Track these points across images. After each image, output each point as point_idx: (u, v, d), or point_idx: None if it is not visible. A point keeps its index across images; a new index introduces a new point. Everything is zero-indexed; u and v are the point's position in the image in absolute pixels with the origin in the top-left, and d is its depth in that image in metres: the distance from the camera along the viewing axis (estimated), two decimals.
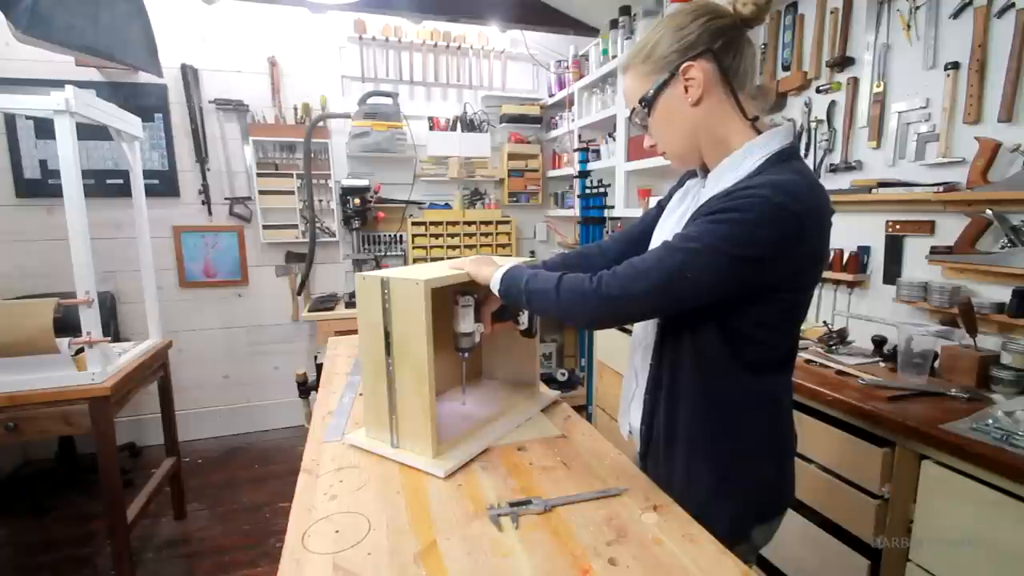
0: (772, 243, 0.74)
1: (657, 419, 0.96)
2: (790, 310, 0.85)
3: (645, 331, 0.99)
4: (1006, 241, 1.47)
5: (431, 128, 3.38)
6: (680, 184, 1.04)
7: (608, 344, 2.70)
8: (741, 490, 0.90)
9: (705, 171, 0.91)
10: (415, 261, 3.40)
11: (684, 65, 0.83)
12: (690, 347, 0.88)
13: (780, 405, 0.92)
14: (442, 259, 3.43)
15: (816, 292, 2.09)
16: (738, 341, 0.84)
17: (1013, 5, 1.46)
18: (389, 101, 2.96)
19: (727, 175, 0.84)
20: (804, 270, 0.81)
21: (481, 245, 3.52)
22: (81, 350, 1.70)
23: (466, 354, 1.14)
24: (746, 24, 0.84)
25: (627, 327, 1.12)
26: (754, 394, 0.88)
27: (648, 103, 0.87)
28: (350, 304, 3.03)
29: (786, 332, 0.87)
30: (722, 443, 0.89)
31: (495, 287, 0.96)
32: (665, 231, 0.98)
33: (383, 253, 3.39)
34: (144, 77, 2.85)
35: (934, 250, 1.67)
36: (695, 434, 0.90)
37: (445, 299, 1.09)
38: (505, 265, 0.97)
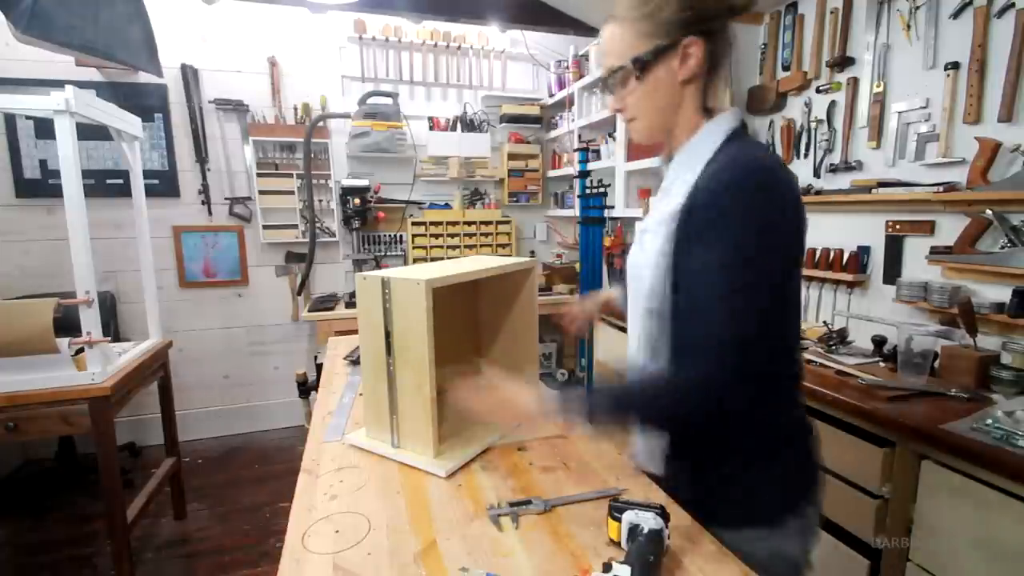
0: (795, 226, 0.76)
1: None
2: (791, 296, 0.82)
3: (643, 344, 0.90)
4: (1006, 241, 1.47)
5: (431, 128, 3.38)
6: None
7: (608, 344, 2.70)
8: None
9: (666, 155, 0.90)
10: (415, 261, 3.40)
11: (688, 39, 0.79)
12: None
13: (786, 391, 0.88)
14: (442, 259, 3.43)
15: (816, 292, 2.09)
16: None
17: (1013, 5, 1.46)
18: (389, 101, 2.96)
19: (691, 161, 0.82)
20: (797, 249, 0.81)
21: (481, 245, 3.52)
22: (81, 350, 1.70)
23: None
24: (733, 12, 0.82)
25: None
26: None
27: (642, 65, 0.81)
28: (350, 304, 3.02)
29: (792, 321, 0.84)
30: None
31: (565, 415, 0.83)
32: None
33: (383, 253, 3.39)
34: (144, 77, 2.85)
35: (934, 250, 1.67)
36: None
37: (446, 298, 1.09)
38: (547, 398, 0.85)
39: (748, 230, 0.73)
